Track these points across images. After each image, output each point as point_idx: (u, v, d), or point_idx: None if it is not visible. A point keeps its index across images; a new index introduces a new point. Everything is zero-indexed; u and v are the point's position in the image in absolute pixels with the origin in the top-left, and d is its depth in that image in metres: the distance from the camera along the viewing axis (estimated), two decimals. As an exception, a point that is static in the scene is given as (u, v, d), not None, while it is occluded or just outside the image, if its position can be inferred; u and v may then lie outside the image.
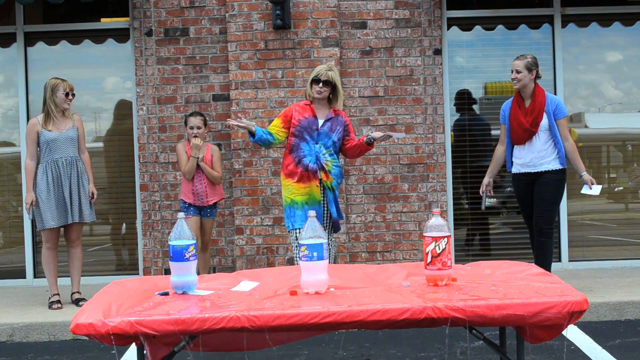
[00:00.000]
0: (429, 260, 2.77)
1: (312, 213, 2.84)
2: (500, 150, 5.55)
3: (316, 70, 5.04)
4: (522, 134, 5.25)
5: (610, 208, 7.25)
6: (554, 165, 5.27)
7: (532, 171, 5.31)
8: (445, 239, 2.75)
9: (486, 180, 5.60)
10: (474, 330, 2.96)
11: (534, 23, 6.91)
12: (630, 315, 5.27)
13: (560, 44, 6.81)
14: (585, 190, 5.34)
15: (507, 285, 2.74)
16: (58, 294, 5.63)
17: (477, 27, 6.95)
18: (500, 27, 6.94)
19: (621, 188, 7.28)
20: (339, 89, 5.05)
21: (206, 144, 5.81)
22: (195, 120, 5.75)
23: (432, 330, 4.85)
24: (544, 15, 6.86)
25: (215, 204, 5.85)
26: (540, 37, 6.92)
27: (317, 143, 5.00)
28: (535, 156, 5.27)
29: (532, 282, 2.78)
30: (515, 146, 5.39)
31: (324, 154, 5.01)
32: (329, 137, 5.03)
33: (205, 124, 5.84)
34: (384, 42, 6.57)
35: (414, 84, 6.58)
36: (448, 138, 6.68)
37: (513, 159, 5.43)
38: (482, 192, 5.64)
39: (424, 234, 2.79)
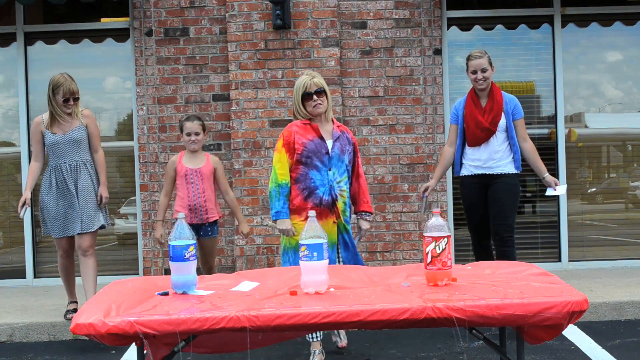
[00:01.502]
0: (429, 260, 2.76)
1: (312, 213, 2.83)
2: (449, 152, 5.13)
3: (300, 84, 4.24)
4: (480, 134, 4.87)
5: (610, 208, 7.25)
6: (509, 168, 4.93)
7: (487, 173, 4.93)
8: (445, 239, 2.75)
9: (432, 183, 5.18)
10: (474, 330, 2.96)
11: (534, 23, 6.91)
12: (630, 315, 5.27)
13: (560, 44, 6.82)
14: (549, 192, 4.98)
15: (507, 285, 2.73)
16: (75, 302, 5.25)
17: (477, 27, 6.95)
18: (500, 27, 6.94)
19: (620, 188, 7.29)
20: (328, 96, 4.31)
21: (205, 154, 5.10)
22: (192, 126, 4.99)
23: (432, 330, 4.85)
24: (544, 15, 6.86)
25: (215, 221, 5.09)
26: (540, 37, 6.92)
27: (329, 170, 4.20)
28: (491, 157, 4.90)
29: (532, 282, 2.78)
30: (467, 147, 5.00)
31: (338, 183, 4.22)
32: (342, 161, 4.25)
33: (204, 130, 5.07)
34: (384, 42, 6.57)
35: (414, 84, 6.58)
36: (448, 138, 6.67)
37: (464, 161, 5.03)
38: (423, 196, 5.22)
39: (424, 234, 2.79)
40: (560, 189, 4.95)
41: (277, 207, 4.15)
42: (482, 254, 5.10)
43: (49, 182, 5.03)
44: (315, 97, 4.20)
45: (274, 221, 4.19)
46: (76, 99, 5.05)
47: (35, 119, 5.12)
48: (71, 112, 5.05)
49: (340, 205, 4.20)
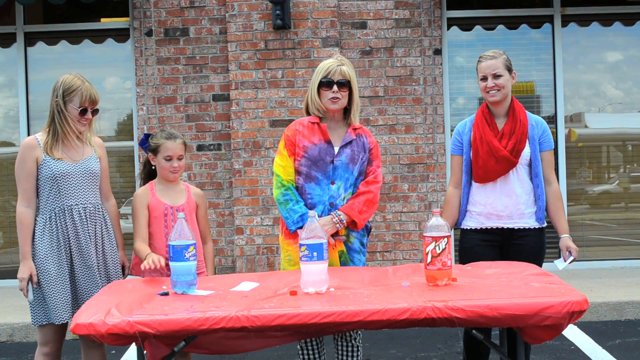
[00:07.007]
0: (429, 260, 2.76)
1: (312, 213, 2.82)
2: (455, 195, 3.63)
3: (324, 67, 3.42)
4: (495, 166, 3.44)
5: (610, 208, 7.25)
6: (533, 221, 3.52)
7: (505, 226, 3.50)
8: (445, 239, 2.74)
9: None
10: (473, 330, 2.96)
11: (534, 23, 6.92)
12: (630, 315, 5.28)
13: (560, 44, 6.82)
14: (559, 262, 3.57)
15: (507, 285, 2.73)
16: None
17: (477, 27, 6.95)
18: (500, 27, 6.94)
19: (621, 188, 7.29)
20: (355, 93, 3.46)
21: (184, 186, 3.61)
22: (175, 147, 3.47)
23: (432, 330, 4.85)
24: (544, 15, 6.86)
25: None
26: (540, 37, 6.93)
27: (332, 183, 3.40)
28: (513, 202, 3.48)
29: (532, 282, 2.78)
30: (474, 186, 3.57)
31: (343, 199, 3.41)
32: (350, 172, 3.41)
33: (185, 149, 3.58)
34: (384, 42, 6.58)
35: (414, 84, 6.58)
36: (448, 138, 6.68)
37: (469, 207, 3.58)
38: None
39: (424, 234, 2.79)
40: (567, 262, 3.58)
41: (298, 210, 3.35)
42: (473, 345, 3.57)
43: (50, 237, 3.37)
44: (335, 88, 3.39)
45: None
46: (95, 112, 3.36)
47: (24, 140, 3.35)
48: (82, 133, 3.37)
49: (343, 227, 3.40)
